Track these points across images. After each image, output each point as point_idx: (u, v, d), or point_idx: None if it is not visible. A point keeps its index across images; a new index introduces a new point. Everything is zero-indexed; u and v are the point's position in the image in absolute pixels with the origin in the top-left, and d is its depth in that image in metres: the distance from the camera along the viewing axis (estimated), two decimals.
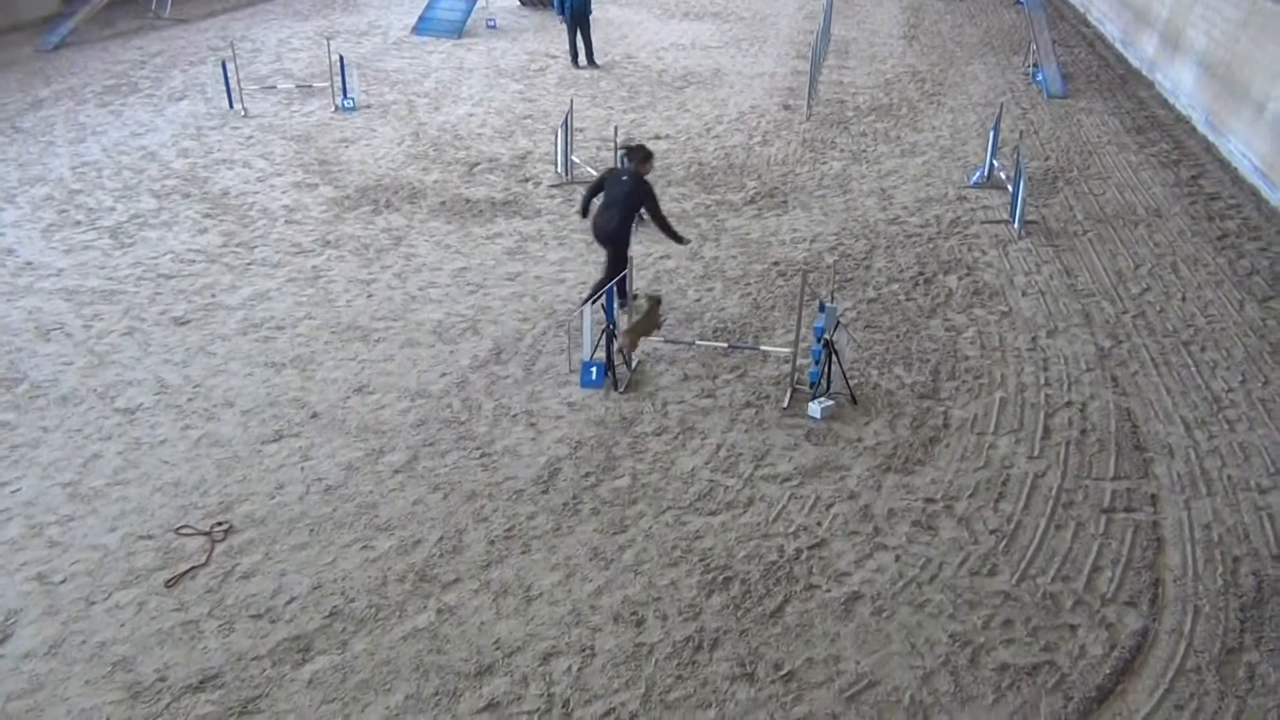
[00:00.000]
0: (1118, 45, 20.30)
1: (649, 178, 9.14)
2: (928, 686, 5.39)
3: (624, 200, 8.83)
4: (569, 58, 18.21)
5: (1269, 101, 12.95)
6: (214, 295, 9.55)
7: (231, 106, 15.04)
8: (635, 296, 9.18)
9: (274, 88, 16.21)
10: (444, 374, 8.30)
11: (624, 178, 8.96)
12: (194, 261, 10.23)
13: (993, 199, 12.21)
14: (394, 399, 7.93)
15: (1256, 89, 13.42)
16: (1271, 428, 7.73)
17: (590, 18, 18.09)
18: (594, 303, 8.57)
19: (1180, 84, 16.30)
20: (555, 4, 17.17)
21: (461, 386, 8.13)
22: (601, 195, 9.05)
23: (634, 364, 8.42)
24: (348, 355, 8.56)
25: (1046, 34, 18.44)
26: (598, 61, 18.26)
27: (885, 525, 6.62)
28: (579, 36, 17.94)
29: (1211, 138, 14.39)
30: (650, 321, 8.36)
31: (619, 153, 9.68)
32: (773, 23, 22.44)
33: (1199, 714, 5.24)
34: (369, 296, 9.59)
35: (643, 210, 9.12)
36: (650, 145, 13.75)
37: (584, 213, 9.47)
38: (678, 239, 9.20)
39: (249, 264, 10.21)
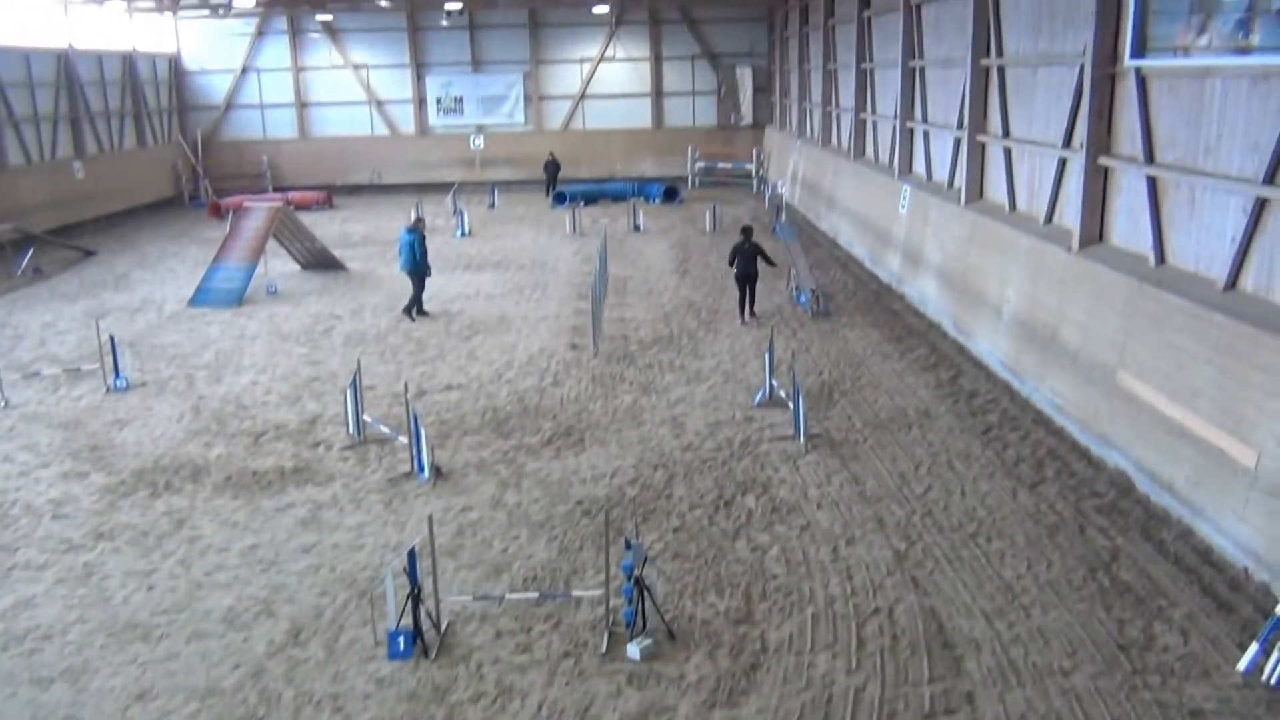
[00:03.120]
0: (868, 264, 22.22)
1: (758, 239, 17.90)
2: None
3: (752, 256, 17.37)
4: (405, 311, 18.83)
5: (1003, 305, 14.35)
6: None
7: None
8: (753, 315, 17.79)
9: (38, 374, 15.42)
10: (237, 666, 7.69)
11: (746, 246, 17.37)
12: None
13: (777, 416, 12.77)
14: (180, 702, 7.25)
15: (991, 295, 14.88)
16: (1063, 609, 8.12)
17: (427, 276, 18.85)
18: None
19: (926, 295, 17.89)
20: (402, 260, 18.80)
21: (257, 677, 7.53)
22: (739, 258, 17.39)
23: None
24: (127, 659, 7.83)
25: (804, 260, 19.99)
26: (427, 311, 18.89)
27: None
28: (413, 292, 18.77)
29: (961, 340, 15.73)
30: None
31: (742, 230, 17.93)
32: (552, 268, 23.41)
33: None
34: (149, 589, 8.91)
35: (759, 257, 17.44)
36: (444, 394, 13.78)
37: (730, 263, 17.70)
38: (771, 264, 17.93)
39: (10, 569, 9.34)
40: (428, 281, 18.99)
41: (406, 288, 20.30)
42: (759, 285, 17.83)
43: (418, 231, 18.68)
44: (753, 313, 17.77)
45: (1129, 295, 11.10)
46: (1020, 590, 8.45)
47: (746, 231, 17.80)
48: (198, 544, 9.77)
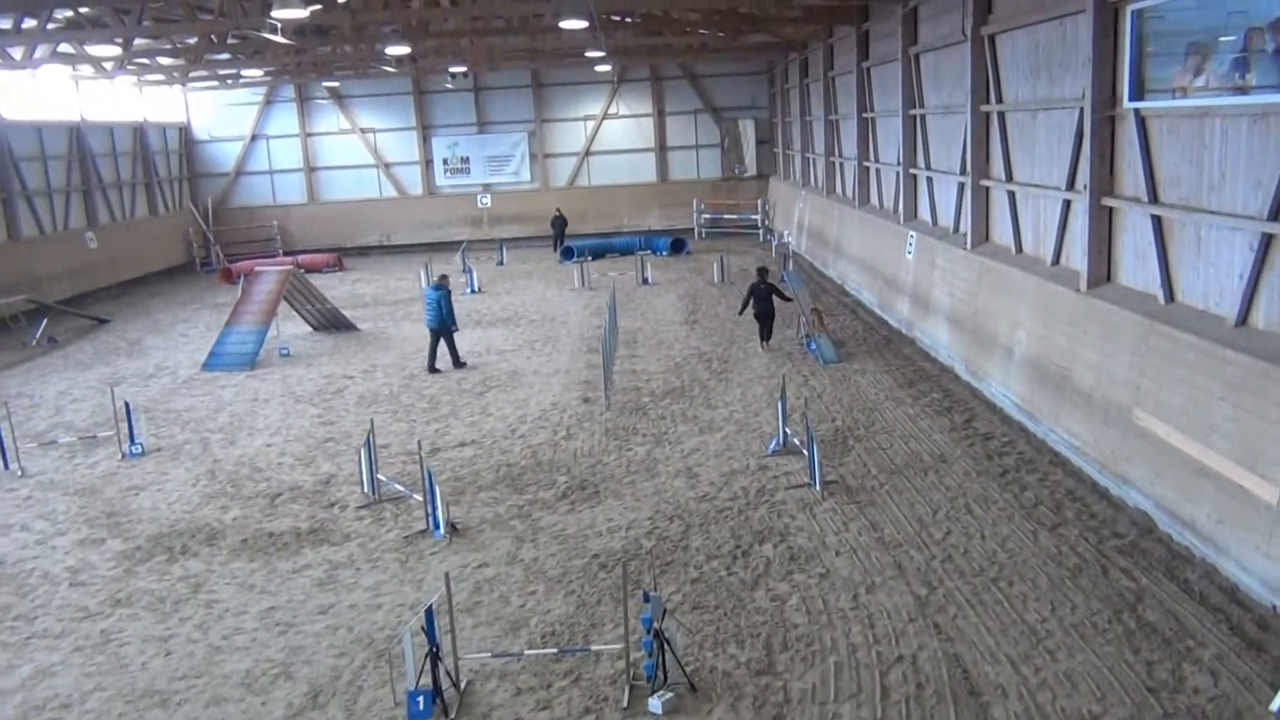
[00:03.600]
0: (877, 310, 22.27)
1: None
2: None
3: (767, 295, 18.86)
4: (427, 366, 19.21)
5: (1014, 346, 14.35)
6: None
7: (6, 467, 14.20)
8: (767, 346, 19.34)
9: (54, 442, 15.49)
10: None
11: (762, 286, 18.92)
12: None
13: (792, 464, 12.74)
14: None
15: (1002, 337, 14.89)
16: (1089, 653, 8.02)
17: (454, 332, 19.43)
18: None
19: (937, 339, 17.91)
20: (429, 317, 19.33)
21: None
22: (755, 298, 18.92)
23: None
24: None
25: (810, 308, 20.04)
26: (464, 362, 19.49)
27: None
28: (440, 345, 19.18)
29: (974, 383, 15.70)
30: None
31: (757, 270, 19.82)
32: (562, 322, 23.51)
33: None
34: (167, 655, 8.87)
35: (774, 297, 19.05)
36: (458, 451, 13.79)
37: (742, 311, 19.67)
38: (786, 299, 19.28)
39: (28, 638, 9.32)
40: (455, 337, 19.54)
41: (419, 347, 20.49)
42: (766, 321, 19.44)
43: (444, 288, 19.12)
44: (766, 344, 19.35)
45: (1140, 334, 11.10)
46: (1045, 634, 8.35)
47: (762, 272, 19.44)
48: (215, 608, 9.74)
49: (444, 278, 19.92)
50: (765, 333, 19.23)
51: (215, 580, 10.37)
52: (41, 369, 21.21)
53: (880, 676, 7.87)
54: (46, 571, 10.79)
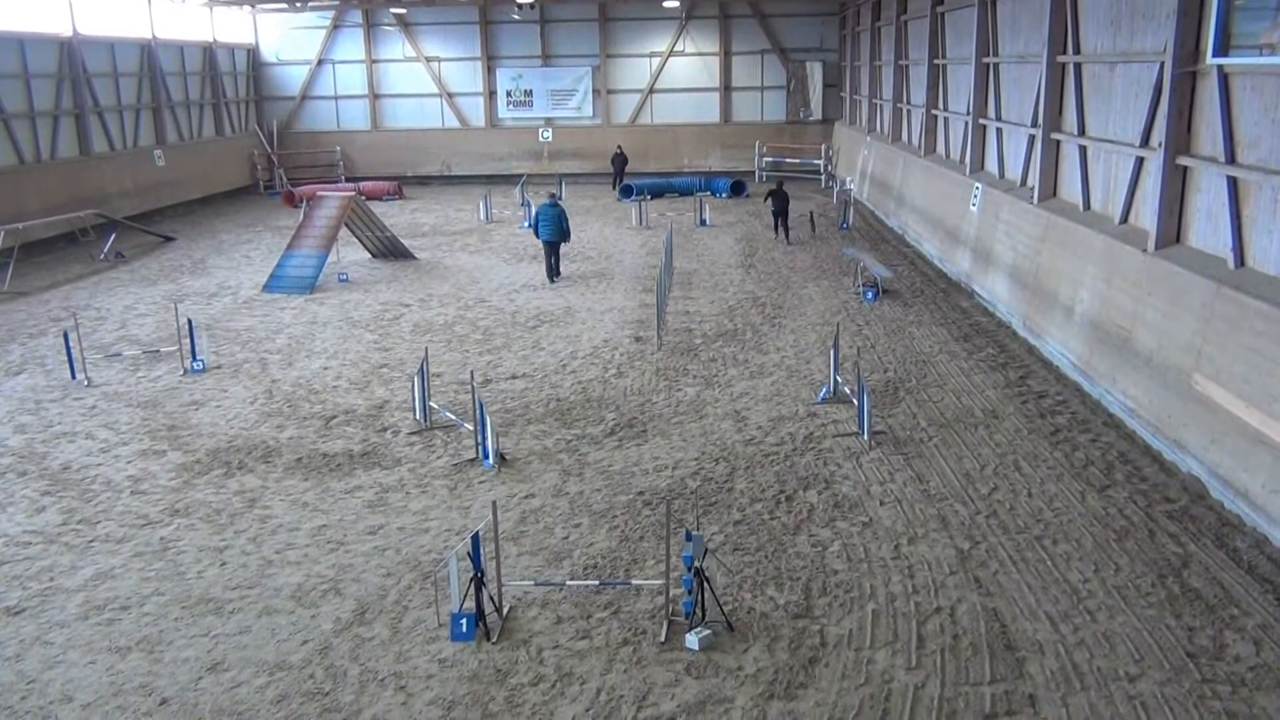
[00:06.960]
0: (936, 261, 21.96)
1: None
2: None
3: (784, 201, 24.86)
4: (546, 276, 21.09)
5: (1075, 305, 14.11)
6: (52, 579, 8.96)
7: (74, 377, 14.63)
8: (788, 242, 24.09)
9: (119, 355, 15.89)
10: (305, 641, 7.89)
11: (780, 191, 24.95)
12: (30, 544, 9.63)
13: (841, 413, 12.71)
14: (251, 675, 7.46)
15: (1063, 295, 14.63)
16: (1130, 614, 7.99)
17: (561, 246, 21.27)
18: None
19: (996, 294, 17.65)
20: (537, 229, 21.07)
21: (324, 654, 7.72)
22: (773, 201, 25.00)
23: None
24: (200, 631, 8.07)
25: (870, 255, 19.82)
26: (561, 274, 21.27)
27: None
28: (553, 258, 21.07)
29: (1031, 340, 15.48)
30: None
31: (771, 189, 25.26)
32: (617, 260, 23.50)
33: None
34: (222, 565, 9.16)
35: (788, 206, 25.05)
36: (509, 383, 13.93)
37: (766, 199, 25.45)
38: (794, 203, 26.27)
39: (91, 541, 9.67)
40: (561, 251, 21.37)
41: (475, 278, 20.61)
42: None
43: (559, 206, 20.88)
44: (788, 240, 24.77)
45: (1207, 298, 10.86)
46: (1086, 594, 8.33)
47: (780, 182, 25.94)
48: (269, 523, 10.02)
49: (554, 195, 21.97)
50: (781, 226, 24.98)
51: (270, 496, 10.66)
52: (109, 283, 21.70)
53: (917, 626, 7.92)
54: (109, 479, 11.16)
